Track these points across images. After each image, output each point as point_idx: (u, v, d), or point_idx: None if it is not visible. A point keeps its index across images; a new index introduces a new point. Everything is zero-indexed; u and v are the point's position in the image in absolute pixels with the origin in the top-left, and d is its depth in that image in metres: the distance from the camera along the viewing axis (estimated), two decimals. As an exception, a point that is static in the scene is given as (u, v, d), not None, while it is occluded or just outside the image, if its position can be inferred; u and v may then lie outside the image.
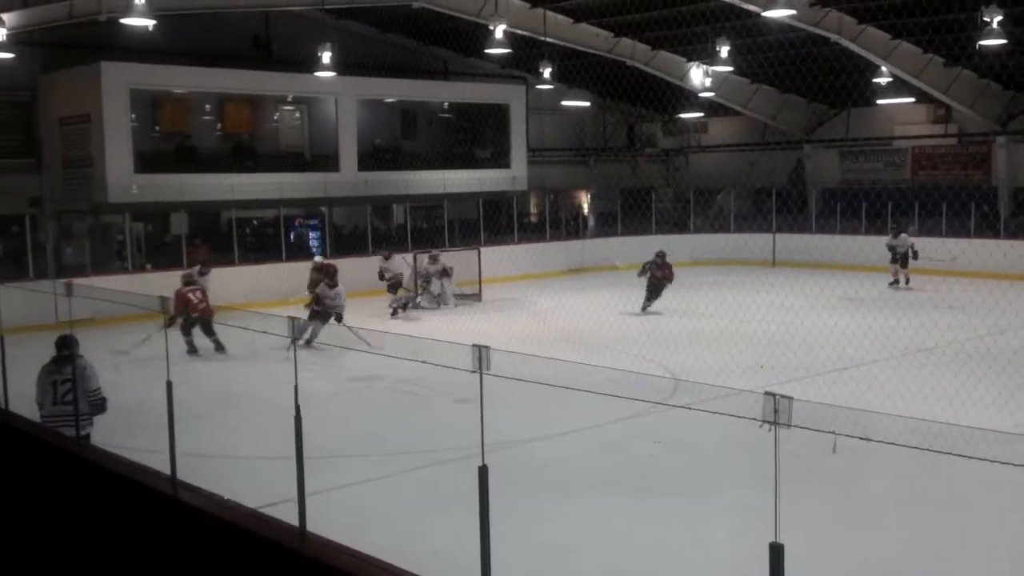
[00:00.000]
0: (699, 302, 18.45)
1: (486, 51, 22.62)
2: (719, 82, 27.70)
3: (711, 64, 25.17)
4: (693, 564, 7.00)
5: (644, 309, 19.06)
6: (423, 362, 6.24)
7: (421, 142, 28.80)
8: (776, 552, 3.85)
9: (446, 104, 29.17)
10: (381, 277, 20.49)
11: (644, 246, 26.65)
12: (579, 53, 26.88)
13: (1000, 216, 26.16)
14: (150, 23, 16.55)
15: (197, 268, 18.03)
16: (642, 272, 19.14)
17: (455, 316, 19.44)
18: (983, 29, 18.57)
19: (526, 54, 24.80)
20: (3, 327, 8.59)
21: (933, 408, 9.77)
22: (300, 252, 23.58)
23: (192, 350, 15.21)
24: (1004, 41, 19.01)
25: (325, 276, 16.69)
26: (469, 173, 26.92)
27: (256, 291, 19.30)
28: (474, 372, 4.83)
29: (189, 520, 5.51)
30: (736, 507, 7.69)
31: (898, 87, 26.10)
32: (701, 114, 31.84)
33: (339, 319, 15.65)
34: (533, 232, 28.88)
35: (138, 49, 21.28)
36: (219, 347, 15.38)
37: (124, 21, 16.82)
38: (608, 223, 29.83)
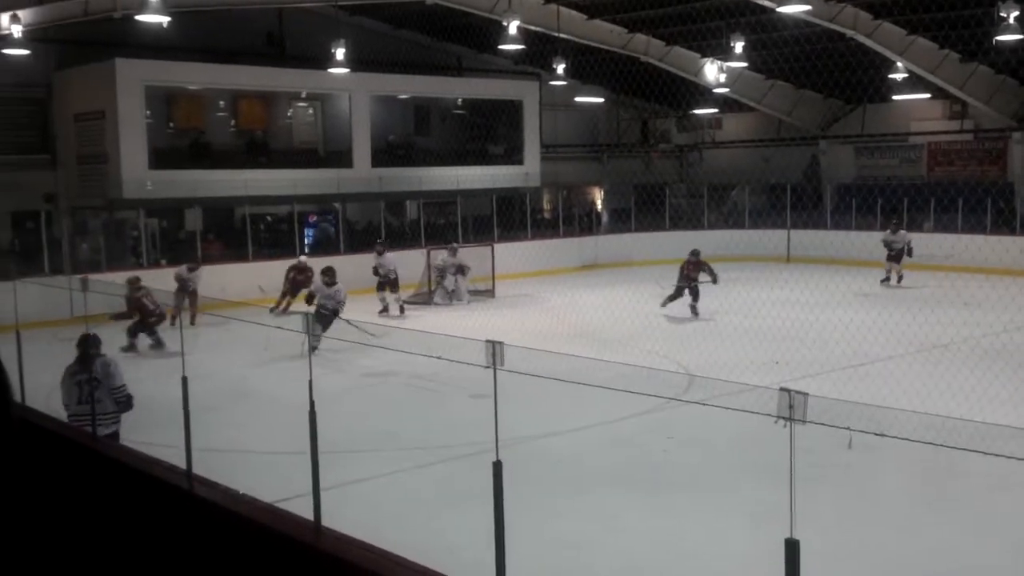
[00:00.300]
0: (713, 298, 18.40)
1: (500, 47, 22.61)
2: (734, 78, 27.59)
3: (726, 60, 25.08)
4: (707, 560, 6.99)
5: (696, 311, 18.25)
6: (437, 358, 6.25)
7: (434, 138, 28.81)
8: (792, 548, 3.84)
9: (459, 100, 29.16)
10: (376, 273, 20.11)
11: (658, 242, 26.67)
12: (593, 49, 26.83)
13: (1016, 212, 25.97)
14: (164, 20, 16.60)
15: (185, 267, 18.09)
16: (681, 277, 18.50)
17: (468, 312, 19.44)
18: (999, 24, 18.44)
19: (540, 50, 24.76)
20: (19, 322, 8.65)
21: (948, 405, 9.71)
22: (319, 248, 23.67)
23: (130, 347, 15.03)
24: (1021, 36, 18.88)
25: (324, 275, 15.98)
26: (482, 169, 26.90)
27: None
28: (488, 368, 4.84)
29: (205, 514, 5.53)
30: (750, 503, 7.67)
31: (914, 83, 25.95)
32: (715, 110, 31.74)
33: (334, 315, 15.18)
34: (546, 228, 28.86)
35: (152, 46, 21.34)
36: (158, 344, 15.17)
37: (139, 18, 16.87)
38: (622, 219, 29.78)
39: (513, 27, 20.48)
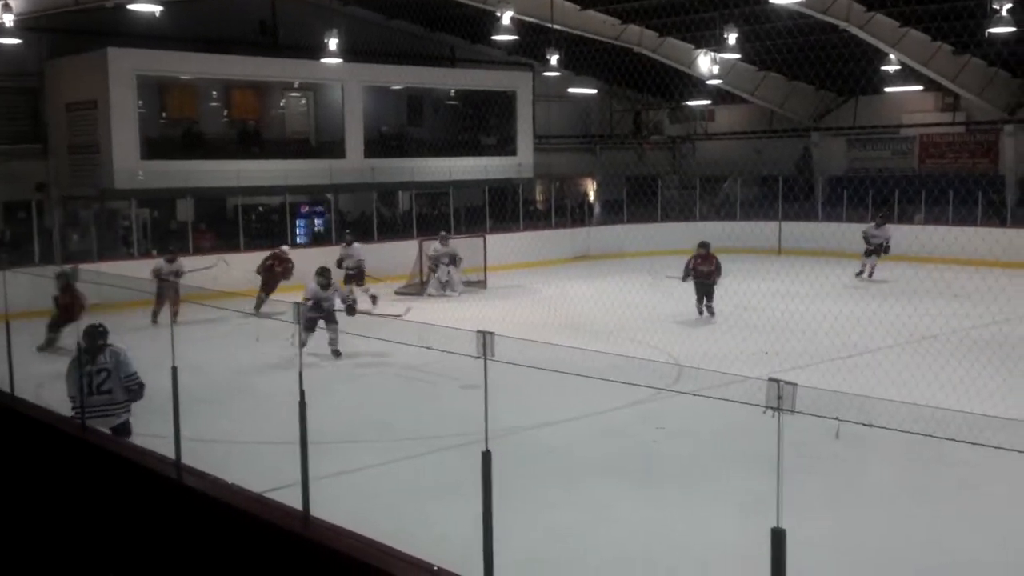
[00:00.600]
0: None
1: (493, 38, 22.54)
2: (727, 69, 27.58)
3: (719, 51, 25.07)
4: (696, 550, 7.02)
5: (702, 312, 17.05)
6: (428, 348, 6.26)
7: (427, 129, 28.77)
8: (778, 537, 3.86)
9: (452, 91, 29.11)
10: (339, 265, 19.19)
11: (650, 234, 26.68)
12: (586, 40, 26.80)
13: (1007, 204, 26.08)
14: (156, 9, 16.55)
15: (163, 259, 17.70)
16: (686, 275, 17.13)
17: (460, 303, 19.46)
18: (992, 17, 18.45)
19: (533, 41, 24.71)
20: (9, 312, 8.63)
21: (937, 395, 9.76)
22: (322, 239, 23.68)
23: (47, 346, 14.59)
24: (1013, 29, 18.88)
25: (319, 276, 14.45)
26: (475, 160, 26.88)
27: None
28: (478, 358, 4.84)
29: (193, 504, 5.54)
30: (739, 493, 7.69)
31: (906, 75, 25.99)
32: (708, 101, 31.74)
33: (351, 310, 13.99)
34: (539, 219, 28.86)
35: (145, 35, 21.26)
36: (49, 344, 14.68)
37: (131, 7, 16.83)
38: (614, 211, 29.79)
39: (506, 17, 20.44)
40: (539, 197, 31.93)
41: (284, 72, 24.76)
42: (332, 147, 25.51)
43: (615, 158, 33.63)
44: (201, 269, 17.17)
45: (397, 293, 20.56)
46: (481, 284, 21.73)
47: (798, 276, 17.22)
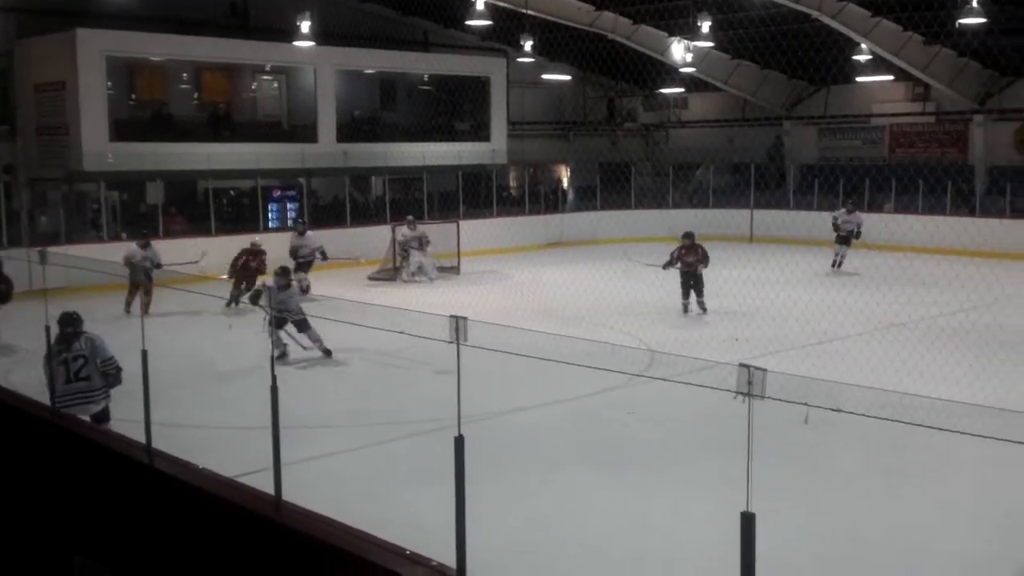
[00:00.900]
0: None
1: (467, 23, 22.47)
2: (700, 57, 27.65)
3: (692, 39, 25.13)
4: (667, 533, 7.08)
5: (687, 309, 16.15)
6: (400, 332, 6.26)
7: (400, 114, 28.65)
8: (748, 521, 3.91)
9: (426, 76, 29.00)
10: (293, 255, 18.30)
11: (623, 220, 26.75)
12: (560, 26, 26.77)
13: (976, 194, 26.37)
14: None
15: (135, 244, 17.09)
16: (669, 263, 16.37)
17: (433, 288, 19.44)
18: (963, 7, 18.63)
19: (507, 26, 24.65)
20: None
21: (904, 382, 9.88)
22: (283, 225, 23.50)
23: None
24: (983, 20, 19.08)
25: (278, 276, 13.05)
26: (448, 146, 26.81)
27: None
28: (451, 343, 4.85)
29: (164, 488, 5.53)
30: (711, 478, 7.76)
31: (877, 65, 26.18)
32: (681, 89, 31.80)
33: (302, 326, 12.68)
34: (512, 205, 28.84)
35: (114, 16, 21.00)
36: None
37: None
38: (587, 197, 29.83)
39: (480, 2, 20.38)
40: (513, 183, 31.91)
41: (255, 55, 24.55)
42: (304, 131, 25.35)
43: (589, 145, 33.66)
44: (184, 264, 16.78)
45: (370, 279, 20.51)
46: (454, 270, 21.72)
47: (769, 264, 17.35)
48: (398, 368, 12.14)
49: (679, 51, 26.75)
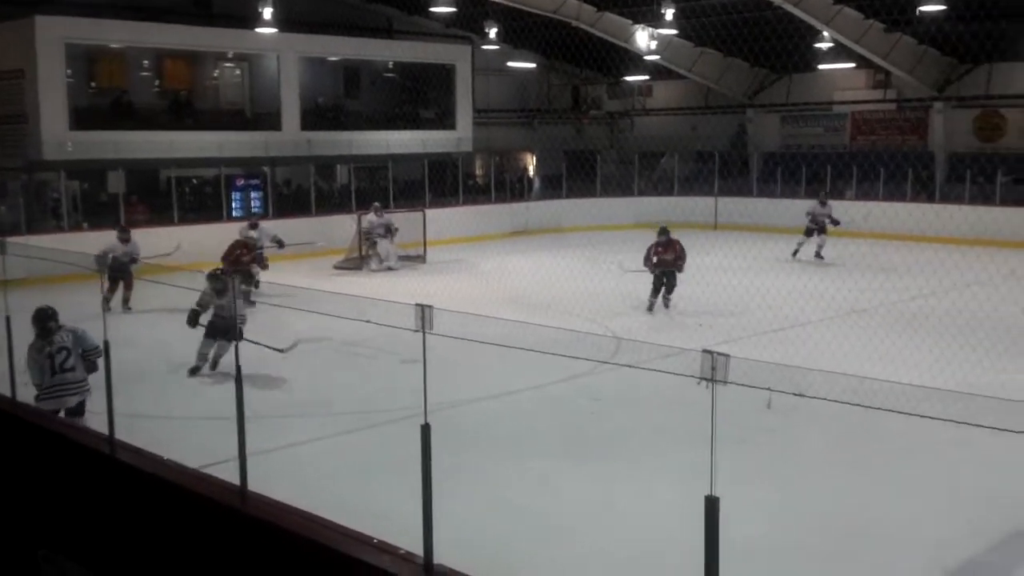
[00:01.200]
0: (642, 264, 18.60)
1: (431, 9, 22.37)
2: (664, 45, 27.76)
3: (656, 26, 25.22)
4: (633, 518, 7.13)
5: (651, 307, 15.36)
6: (366, 321, 6.24)
7: (365, 102, 28.49)
8: (712, 505, 3.95)
9: (390, 63, 28.85)
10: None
11: (589, 209, 26.83)
12: (525, 13, 26.73)
13: (935, 180, 26.73)
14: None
15: (116, 237, 16.23)
16: (647, 261, 15.53)
17: (399, 277, 19.39)
18: (923, -5, 18.84)
19: (471, 13, 24.61)
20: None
21: (864, 366, 10.02)
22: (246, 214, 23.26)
23: None
24: (943, 7, 19.32)
25: (213, 281, 11.12)
26: (413, 134, 26.72)
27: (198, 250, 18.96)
28: (417, 331, 4.85)
29: (127, 479, 5.48)
30: (676, 463, 7.82)
31: (838, 52, 26.42)
32: (646, 77, 31.92)
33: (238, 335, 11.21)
34: (478, 194, 28.81)
35: (73, 2, 20.69)
36: None
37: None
38: (553, 185, 29.87)
39: (444, -11, 20.30)
40: (478, 171, 31.87)
41: (217, 41, 24.30)
42: (268, 119, 25.14)
43: (554, 133, 33.68)
44: (160, 256, 16.54)
45: (336, 268, 20.40)
46: (420, 259, 21.66)
47: (733, 251, 17.52)
48: (364, 357, 12.11)
49: (643, 39, 26.85)
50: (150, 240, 17.28)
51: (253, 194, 25.08)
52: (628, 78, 31.91)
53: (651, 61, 28.67)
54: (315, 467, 8.30)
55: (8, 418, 6.82)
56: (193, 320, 11.29)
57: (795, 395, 4.28)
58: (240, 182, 24.85)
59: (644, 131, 34.25)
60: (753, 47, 26.91)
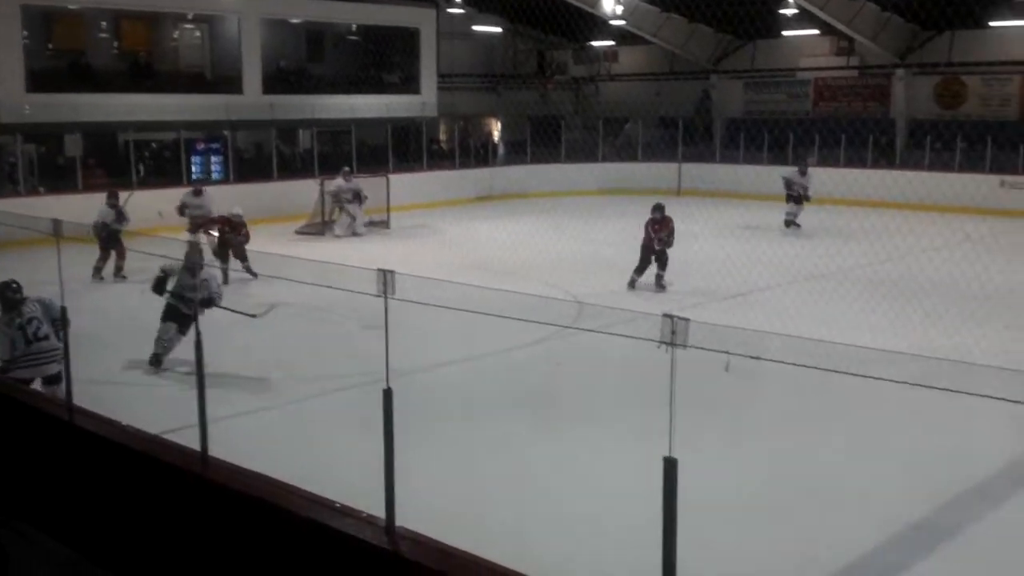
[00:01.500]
0: (605, 230, 18.68)
1: (395, -28, 22.09)
2: (629, 10, 27.66)
3: (622, -9, 25.11)
4: (594, 480, 7.22)
5: (633, 284, 14.53)
6: (328, 287, 6.22)
7: (328, 65, 28.15)
8: (670, 465, 4.01)
9: (354, 26, 28.49)
10: (181, 213, 16.91)
11: (553, 174, 26.82)
12: (489, -24, 26.51)
13: (896, 148, 26.99)
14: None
15: (107, 203, 15.71)
16: (657, 244, 14.54)
17: (363, 243, 19.31)
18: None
19: (435, -24, 24.35)
20: None
21: (822, 330, 10.16)
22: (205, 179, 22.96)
23: None
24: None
25: (192, 255, 9.90)
26: (377, 98, 26.46)
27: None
28: (379, 296, 4.85)
29: (86, 445, 5.45)
30: (636, 425, 7.91)
31: (802, 18, 26.48)
32: (611, 42, 31.81)
33: (204, 306, 9.69)
34: (442, 159, 28.67)
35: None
36: None
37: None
38: (517, 151, 29.79)
39: (408, -49, 20.05)
40: (443, 136, 31.69)
41: (177, 2, 23.85)
42: (228, 82, 24.76)
43: (519, 98, 33.53)
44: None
45: (298, 233, 20.27)
46: (384, 224, 21.56)
47: (696, 217, 17.60)
48: (327, 323, 12.07)
49: (609, 3, 26.73)
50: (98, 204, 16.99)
51: (214, 158, 24.76)
52: (593, 43, 31.79)
53: (617, 26, 28.55)
54: (277, 432, 8.30)
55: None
56: (160, 287, 10.29)
57: (753, 358, 4.34)
58: (200, 146, 24.52)
59: (609, 97, 34.20)
60: (718, 12, 26.91)
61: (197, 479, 4.80)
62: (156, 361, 10.16)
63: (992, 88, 27.37)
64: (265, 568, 4.62)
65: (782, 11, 25.87)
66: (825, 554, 6.02)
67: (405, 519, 4.66)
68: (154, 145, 23.82)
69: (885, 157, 26.21)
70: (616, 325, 5.07)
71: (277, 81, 25.61)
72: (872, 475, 7.36)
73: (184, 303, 9.97)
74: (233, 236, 15.29)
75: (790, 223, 20.42)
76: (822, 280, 14.35)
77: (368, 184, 21.30)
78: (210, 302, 9.77)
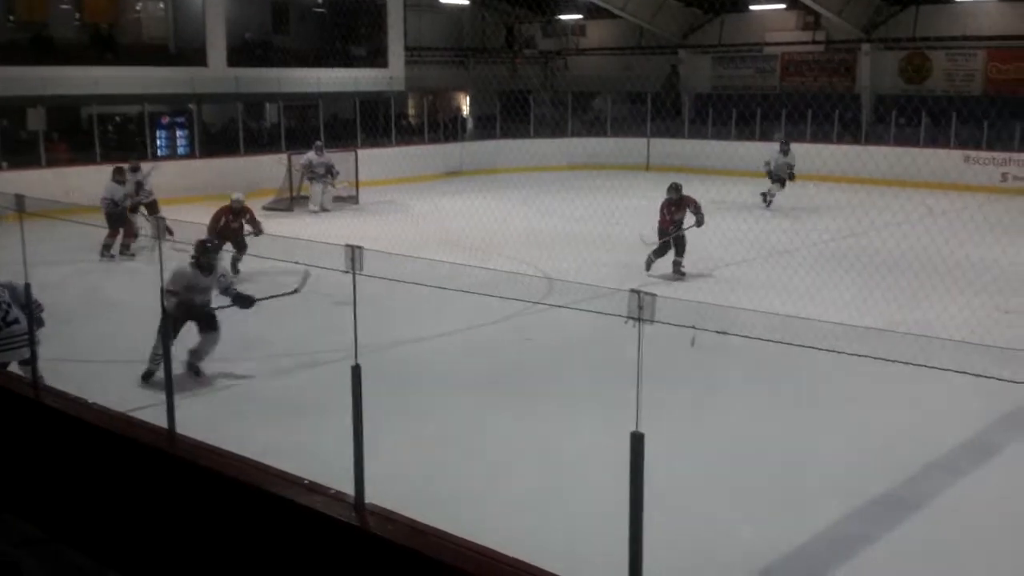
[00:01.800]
0: (575, 206, 18.69)
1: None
2: (597, -17, 27.58)
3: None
4: (564, 455, 7.26)
5: (650, 265, 13.63)
6: (295, 263, 6.19)
7: (294, 38, 27.86)
8: (636, 440, 4.05)
9: (320, -2, 28.23)
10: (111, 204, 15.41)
11: (523, 149, 26.75)
12: (457, -51, 26.30)
13: (862, 123, 27.19)
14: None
15: (114, 178, 15.25)
16: (665, 231, 13.75)
17: (332, 219, 19.20)
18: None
19: (403, -52, 24.11)
20: None
21: (790, 306, 10.27)
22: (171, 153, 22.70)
23: None
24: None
25: (204, 254, 9.09)
26: (344, 72, 26.23)
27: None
28: (347, 272, 4.83)
29: (53, 423, 5.41)
30: (603, 400, 7.96)
31: (770, -7, 26.56)
32: (580, 16, 31.69)
33: (210, 324, 9.19)
34: (411, 134, 28.52)
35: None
36: None
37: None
38: (487, 126, 29.68)
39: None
40: (411, 111, 31.50)
41: (140, -26, 23.49)
42: (193, 54, 24.46)
43: (488, 72, 33.37)
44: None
45: (265, 208, 20.09)
46: (353, 200, 21.45)
47: (663, 192, 17.62)
48: (296, 299, 12.00)
49: (577, -24, 26.62)
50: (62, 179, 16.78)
51: (179, 132, 24.48)
52: (561, 17, 31.65)
53: (584, 0, 28.47)
54: (246, 409, 8.27)
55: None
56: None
57: (718, 333, 4.38)
58: (165, 120, 24.21)
59: (578, 72, 34.12)
60: (686, -14, 26.88)
61: (165, 456, 4.78)
62: (147, 376, 8.79)
63: (957, 63, 27.61)
64: (233, 545, 4.62)
65: (750, -15, 25.93)
66: (790, 525, 6.11)
67: (375, 496, 4.67)
68: (118, 119, 23.50)
69: (850, 132, 26.39)
70: (585, 301, 5.08)
71: (242, 54, 25.32)
72: (836, 448, 7.46)
73: (195, 306, 8.97)
74: (235, 223, 13.51)
75: (768, 200, 20.09)
76: (788, 255, 14.47)
77: (337, 159, 21.15)
78: (248, 300, 9.04)
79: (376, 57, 28.19)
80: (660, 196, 14.16)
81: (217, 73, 24.19)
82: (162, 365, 8.00)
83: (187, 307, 8.90)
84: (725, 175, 22.91)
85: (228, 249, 12.68)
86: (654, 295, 4.08)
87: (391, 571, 4.30)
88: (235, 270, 12.50)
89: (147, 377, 8.73)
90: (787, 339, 5.04)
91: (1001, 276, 12.31)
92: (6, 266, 7.78)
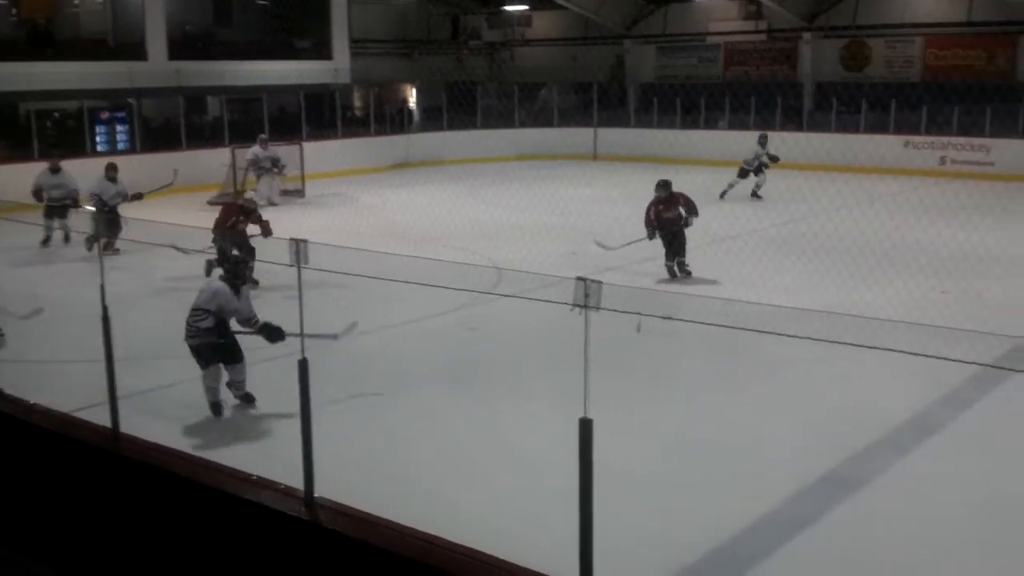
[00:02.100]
0: (523, 196, 18.68)
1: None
2: (541, -27, 27.60)
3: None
4: (515, 443, 7.28)
5: (675, 273, 12.75)
6: (237, 255, 6.11)
7: (237, 30, 27.49)
8: (585, 426, 4.09)
9: (262, -11, 27.89)
10: (38, 197, 15.18)
11: (470, 141, 26.72)
12: (400, -61, 26.13)
13: (803, 110, 27.56)
14: None
15: (107, 174, 15.03)
16: (652, 231, 12.86)
17: (278, 213, 18.97)
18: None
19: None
20: None
21: (731, 290, 10.38)
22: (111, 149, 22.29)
23: None
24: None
25: (230, 274, 8.05)
26: (288, 64, 25.95)
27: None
28: (291, 266, 4.80)
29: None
30: (554, 388, 7.99)
31: (713, -18, 26.77)
32: (525, 7, 31.69)
33: (234, 355, 8.08)
34: (357, 127, 28.31)
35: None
36: None
37: None
38: (434, 118, 29.58)
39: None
40: (357, 103, 31.26)
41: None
42: (132, 48, 24.03)
43: (434, 64, 33.26)
44: (158, 189, 15.81)
45: (209, 203, 19.82)
46: (299, 193, 21.25)
47: (610, 182, 17.76)
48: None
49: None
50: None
51: (119, 127, 24.04)
52: (507, 8, 31.62)
53: (530, -10, 28.48)
54: (192, 407, 8.15)
55: None
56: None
57: (664, 319, 4.43)
58: (104, 115, 23.76)
59: (524, 62, 34.14)
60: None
61: (109, 456, 4.71)
62: (218, 410, 7.92)
63: (896, 50, 28.10)
64: (183, 542, 4.58)
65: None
66: (737, 508, 6.19)
67: (324, 490, 4.66)
68: (56, 115, 23.03)
69: (792, 120, 26.72)
70: (535, 290, 5.10)
71: (183, 47, 24.92)
72: (783, 429, 7.57)
73: (221, 328, 8.04)
74: (243, 224, 12.44)
75: (724, 192, 19.77)
76: (732, 241, 14.62)
77: (283, 152, 20.92)
78: (278, 333, 7.87)
79: (320, 49, 27.92)
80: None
81: (157, 67, 23.80)
82: (206, 391, 7.77)
83: (222, 330, 7.90)
84: (672, 163, 23.03)
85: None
86: (599, 282, 4.12)
87: (342, 563, 4.30)
88: (253, 281, 10.80)
89: (217, 411, 7.86)
90: (732, 323, 5.12)
91: (937, 258, 12.55)
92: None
